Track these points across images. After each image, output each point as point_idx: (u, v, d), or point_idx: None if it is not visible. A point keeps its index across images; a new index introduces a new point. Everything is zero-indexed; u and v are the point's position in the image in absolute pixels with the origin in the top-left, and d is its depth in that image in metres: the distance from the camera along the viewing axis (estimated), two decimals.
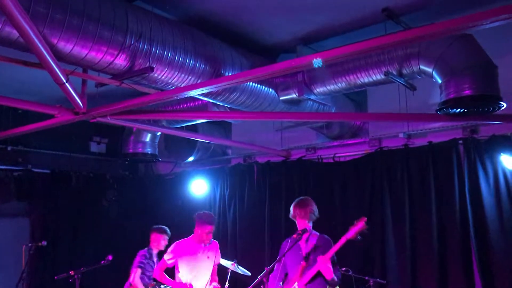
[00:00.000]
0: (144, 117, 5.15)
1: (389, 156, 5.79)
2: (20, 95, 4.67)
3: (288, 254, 4.24)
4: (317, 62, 2.94)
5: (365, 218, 4.15)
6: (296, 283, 4.13)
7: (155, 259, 5.70)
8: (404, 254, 5.46)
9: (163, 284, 5.12)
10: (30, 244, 5.40)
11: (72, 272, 4.57)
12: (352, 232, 4.12)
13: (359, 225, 4.11)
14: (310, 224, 4.41)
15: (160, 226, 5.89)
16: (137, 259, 5.57)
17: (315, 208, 4.44)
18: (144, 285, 5.46)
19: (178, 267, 4.94)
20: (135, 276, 5.45)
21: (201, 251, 4.99)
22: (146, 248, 5.70)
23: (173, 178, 7.98)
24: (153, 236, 5.76)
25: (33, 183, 6.92)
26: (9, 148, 6.73)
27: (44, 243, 5.36)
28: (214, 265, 5.12)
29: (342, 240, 4.14)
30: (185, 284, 4.85)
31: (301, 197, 4.58)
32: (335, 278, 4.10)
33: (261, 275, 3.68)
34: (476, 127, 5.24)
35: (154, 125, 5.99)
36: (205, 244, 5.00)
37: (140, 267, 5.52)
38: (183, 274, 4.91)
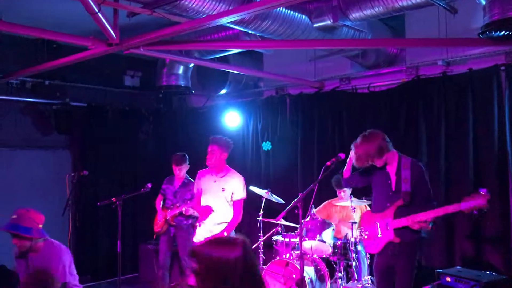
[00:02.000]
0: (176, 47, 5.12)
1: (426, 84, 5.62)
2: (53, 28, 4.69)
3: (374, 177, 4.20)
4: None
5: (488, 196, 3.68)
6: (387, 223, 4.04)
7: (175, 186, 5.91)
8: (439, 187, 5.41)
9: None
10: (73, 174, 5.63)
11: (114, 199, 4.79)
12: (470, 205, 3.69)
13: (479, 200, 3.66)
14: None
15: (175, 154, 5.94)
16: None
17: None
18: (166, 208, 5.81)
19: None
20: (157, 201, 5.96)
21: (213, 181, 4.92)
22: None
23: (206, 110, 8.04)
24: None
25: (72, 116, 7.11)
26: (46, 82, 6.87)
27: (86, 172, 5.58)
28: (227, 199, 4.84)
29: (452, 208, 3.81)
30: (207, 206, 4.81)
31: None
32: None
33: (296, 200, 3.76)
34: None
35: (186, 56, 5.97)
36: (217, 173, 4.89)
37: (161, 193, 5.99)
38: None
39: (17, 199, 6.32)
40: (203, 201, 4.96)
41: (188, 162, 5.94)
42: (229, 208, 4.89)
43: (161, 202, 5.99)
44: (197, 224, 5.01)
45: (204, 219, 4.86)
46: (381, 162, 4.10)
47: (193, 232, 5.43)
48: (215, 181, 4.92)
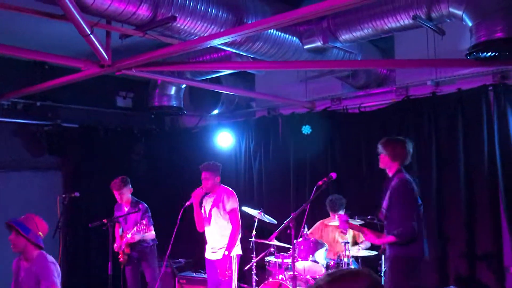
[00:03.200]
0: (168, 68, 5.17)
1: (416, 104, 5.69)
2: (46, 50, 4.72)
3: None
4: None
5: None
6: None
7: (124, 211, 5.73)
8: (431, 204, 5.45)
9: None
10: (64, 195, 5.59)
11: (105, 220, 4.76)
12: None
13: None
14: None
15: (113, 181, 5.72)
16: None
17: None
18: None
19: None
20: (116, 230, 5.80)
21: (210, 202, 5.20)
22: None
23: (199, 131, 8.06)
24: None
25: (63, 137, 7.08)
26: (38, 104, 6.86)
27: (77, 194, 5.55)
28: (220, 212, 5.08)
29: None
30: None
31: None
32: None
33: (288, 220, 3.75)
34: (506, 73, 5.10)
35: (178, 77, 6.00)
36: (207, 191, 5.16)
37: (116, 221, 5.71)
38: None
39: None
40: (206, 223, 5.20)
41: (129, 185, 5.74)
42: (227, 222, 5.08)
43: (120, 230, 5.79)
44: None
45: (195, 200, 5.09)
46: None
47: (156, 253, 5.58)
48: (211, 202, 5.18)
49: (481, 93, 5.22)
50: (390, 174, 4.10)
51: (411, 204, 3.87)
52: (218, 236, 5.11)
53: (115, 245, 5.61)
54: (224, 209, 5.08)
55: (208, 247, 5.24)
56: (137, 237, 5.37)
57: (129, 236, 5.38)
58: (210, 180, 5.09)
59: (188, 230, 5.21)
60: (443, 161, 5.48)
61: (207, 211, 5.20)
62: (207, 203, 5.23)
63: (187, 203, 5.06)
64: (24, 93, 6.15)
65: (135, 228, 5.37)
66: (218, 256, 5.07)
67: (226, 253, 4.92)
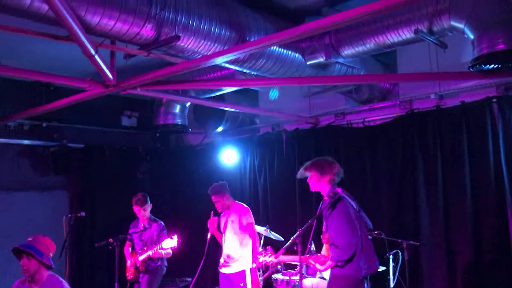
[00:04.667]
0: (173, 87, 5.20)
1: (420, 118, 5.69)
2: (51, 71, 4.77)
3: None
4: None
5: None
6: None
7: (140, 228, 5.71)
8: (438, 217, 5.43)
9: None
10: (70, 215, 5.58)
11: (111, 240, 4.74)
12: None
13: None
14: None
15: (135, 196, 5.75)
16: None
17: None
18: (135, 253, 5.65)
19: None
20: (125, 248, 5.78)
21: (225, 219, 5.31)
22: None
23: (203, 148, 8.07)
24: None
25: (69, 157, 7.12)
26: (44, 125, 6.92)
27: (83, 213, 5.53)
28: (238, 228, 5.15)
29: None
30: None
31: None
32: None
33: (294, 236, 3.73)
34: (510, 84, 5.08)
35: (183, 95, 6.04)
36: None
37: (128, 239, 5.70)
38: None
39: (14, 241, 6.22)
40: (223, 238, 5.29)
41: (150, 201, 5.74)
42: (242, 236, 5.16)
43: (130, 248, 5.75)
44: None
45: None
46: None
47: (162, 274, 5.53)
48: (226, 218, 5.27)
49: (485, 105, 5.21)
50: (324, 194, 4.06)
51: (348, 225, 3.82)
52: (233, 249, 5.17)
53: (129, 261, 5.59)
54: (240, 225, 5.16)
55: (222, 260, 5.28)
56: (158, 254, 5.36)
57: (151, 252, 5.34)
58: (221, 202, 5.20)
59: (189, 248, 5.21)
60: (449, 174, 5.45)
61: (222, 226, 5.29)
62: (222, 219, 5.33)
63: (208, 237, 5.20)
64: (30, 114, 6.20)
65: (156, 248, 5.33)
66: (232, 269, 5.13)
67: (254, 265, 5.01)
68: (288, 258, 4.34)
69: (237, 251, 5.15)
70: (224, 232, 5.26)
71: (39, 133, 6.95)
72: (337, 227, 3.86)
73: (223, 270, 5.25)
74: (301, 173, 4.21)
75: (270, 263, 4.40)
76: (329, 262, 3.95)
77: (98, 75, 4.40)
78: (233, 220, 5.20)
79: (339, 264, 3.84)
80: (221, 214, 5.36)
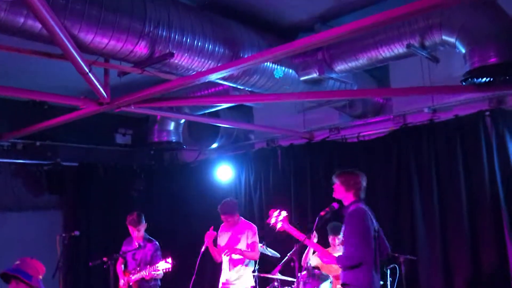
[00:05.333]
0: (167, 104, 5.19)
1: (414, 132, 5.71)
2: (45, 89, 4.77)
3: None
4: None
5: None
6: None
7: (134, 247, 5.58)
8: (434, 231, 5.42)
9: None
10: (64, 235, 5.52)
11: (105, 259, 4.68)
12: None
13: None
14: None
15: (130, 215, 5.62)
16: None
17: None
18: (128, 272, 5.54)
19: None
20: (117, 265, 5.64)
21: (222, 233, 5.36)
22: None
23: (198, 165, 8.06)
24: None
25: (63, 176, 7.08)
26: (37, 143, 6.89)
27: (77, 233, 5.48)
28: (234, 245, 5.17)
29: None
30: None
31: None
32: None
33: (291, 252, 3.70)
34: (503, 97, 5.13)
35: (177, 112, 6.04)
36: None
37: (121, 256, 5.57)
38: None
39: (7, 261, 6.13)
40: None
41: (144, 221, 5.59)
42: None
43: (122, 266, 5.62)
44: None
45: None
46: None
47: None
48: (229, 235, 5.27)
49: (478, 118, 5.24)
50: (346, 204, 4.15)
51: (361, 234, 3.85)
52: (235, 269, 5.15)
53: (121, 281, 5.47)
54: (246, 242, 5.16)
55: (222, 279, 5.25)
56: (152, 276, 5.23)
57: (145, 273, 5.24)
58: (231, 221, 5.24)
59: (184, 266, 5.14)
60: (445, 188, 5.46)
61: (224, 243, 5.26)
62: (224, 236, 5.30)
63: (202, 249, 5.14)
64: (24, 133, 6.17)
65: (150, 269, 5.21)
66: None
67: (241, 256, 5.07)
68: (295, 233, 4.30)
69: (238, 273, 5.14)
70: (226, 249, 5.19)
71: (33, 152, 6.91)
72: (347, 235, 3.92)
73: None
74: (332, 178, 4.33)
75: (279, 225, 4.45)
76: (334, 259, 4.00)
77: (92, 93, 4.40)
78: (238, 238, 5.19)
79: (341, 265, 3.91)
80: (221, 229, 5.35)
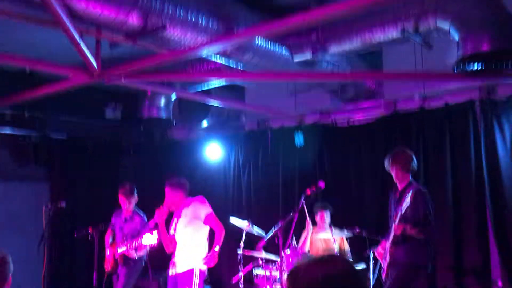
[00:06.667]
0: (158, 77, 5.15)
1: (404, 118, 5.75)
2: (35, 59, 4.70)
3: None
4: None
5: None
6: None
7: (122, 220, 5.55)
8: None
9: None
10: (49, 206, 5.49)
11: (90, 230, 4.66)
12: None
13: None
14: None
15: (123, 185, 5.56)
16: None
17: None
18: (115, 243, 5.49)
19: None
20: (106, 237, 5.60)
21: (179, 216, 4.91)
22: None
23: (188, 144, 8.03)
24: None
25: (51, 148, 7.03)
26: (26, 114, 6.79)
27: (63, 204, 5.44)
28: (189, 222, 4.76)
29: None
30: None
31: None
32: None
33: (276, 228, 3.73)
34: (493, 87, 5.16)
35: (168, 88, 6.00)
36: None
37: (110, 228, 5.54)
38: None
39: None
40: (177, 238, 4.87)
41: (136, 195, 5.56)
42: (199, 234, 4.78)
43: (110, 238, 5.58)
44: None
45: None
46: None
47: (141, 267, 5.34)
48: (180, 216, 4.86)
49: (468, 108, 5.28)
50: (403, 186, 4.34)
51: (429, 211, 4.16)
52: (186, 249, 4.77)
53: (107, 251, 5.44)
54: (197, 218, 4.76)
55: (172, 263, 4.87)
56: (134, 255, 5.22)
57: (125, 249, 5.21)
58: (171, 196, 4.84)
59: None
60: (431, 175, 5.51)
61: (177, 228, 4.87)
62: (173, 223, 4.92)
63: (151, 224, 4.85)
64: (12, 103, 6.09)
65: (134, 243, 5.15)
66: (179, 269, 4.72)
67: (216, 248, 4.62)
68: None
69: (189, 253, 4.75)
70: (180, 236, 4.83)
71: (21, 122, 6.82)
72: (422, 209, 4.17)
73: (171, 272, 4.83)
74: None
75: None
76: (414, 229, 4.15)
77: (83, 66, 4.35)
78: (190, 218, 4.78)
79: (423, 236, 4.12)
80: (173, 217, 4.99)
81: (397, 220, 4.14)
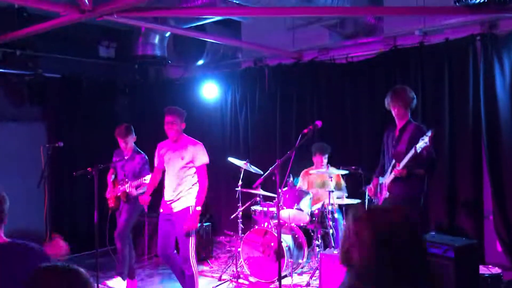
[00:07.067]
0: (151, 14, 4.98)
1: (403, 55, 5.65)
2: None
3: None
4: None
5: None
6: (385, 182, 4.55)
7: (123, 159, 5.49)
8: None
9: None
10: (47, 145, 5.49)
11: (89, 169, 4.67)
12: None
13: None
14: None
15: (118, 127, 5.48)
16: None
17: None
18: (117, 182, 5.55)
19: None
20: (108, 176, 5.66)
21: (171, 149, 4.72)
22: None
23: (184, 82, 7.94)
24: None
25: (45, 87, 6.91)
26: (18, 53, 6.63)
27: (61, 144, 5.45)
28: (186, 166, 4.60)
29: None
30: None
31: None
32: None
33: (273, 166, 3.76)
34: (495, 21, 5.04)
35: (162, 24, 5.83)
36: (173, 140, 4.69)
37: (112, 167, 5.57)
38: None
39: None
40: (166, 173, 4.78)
41: (133, 133, 5.47)
42: (190, 175, 4.65)
43: (112, 176, 5.62)
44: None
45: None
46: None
47: (141, 207, 5.41)
48: (174, 152, 4.70)
49: (468, 43, 5.18)
50: (402, 124, 4.39)
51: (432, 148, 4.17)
52: (181, 189, 4.63)
53: (110, 190, 5.50)
54: (192, 162, 4.61)
55: (163, 202, 4.75)
56: (134, 193, 5.29)
57: (126, 186, 5.24)
58: (176, 125, 4.63)
59: None
60: (428, 112, 5.50)
61: (169, 163, 4.70)
62: (168, 154, 4.72)
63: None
64: (2, 41, 5.94)
65: (135, 182, 5.20)
66: (175, 208, 4.61)
67: (199, 208, 4.53)
68: None
69: (182, 192, 4.63)
70: (169, 171, 4.69)
71: (13, 61, 6.66)
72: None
73: (164, 209, 4.73)
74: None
75: None
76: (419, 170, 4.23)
77: (74, 2, 4.20)
78: (182, 157, 4.61)
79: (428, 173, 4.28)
80: (164, 145, 4.86)
81: (402, 163, 4.14)
